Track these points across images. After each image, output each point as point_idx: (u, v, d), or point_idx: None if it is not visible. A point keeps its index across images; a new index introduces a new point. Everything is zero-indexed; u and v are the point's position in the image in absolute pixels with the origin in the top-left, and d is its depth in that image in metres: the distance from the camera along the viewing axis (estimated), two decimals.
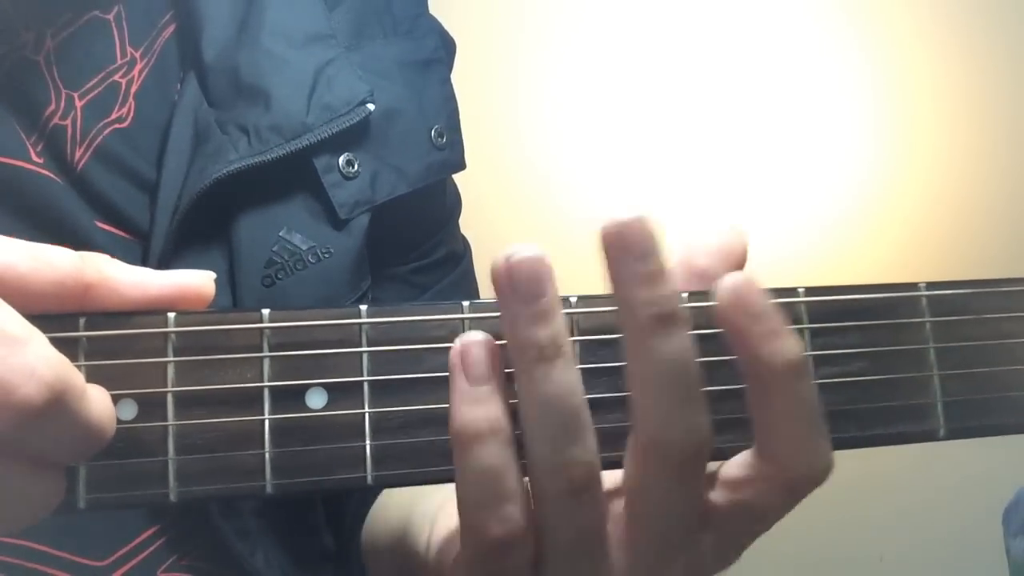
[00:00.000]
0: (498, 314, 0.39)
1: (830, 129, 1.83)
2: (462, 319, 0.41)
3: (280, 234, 0.58)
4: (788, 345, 0.39)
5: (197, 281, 0.40)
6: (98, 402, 0.36)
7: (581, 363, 0.40)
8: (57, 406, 0.33)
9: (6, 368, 0.32)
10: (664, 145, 1.83)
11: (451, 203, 0.76)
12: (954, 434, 0.43)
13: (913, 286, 0.43)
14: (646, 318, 0.37)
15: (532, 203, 1.83)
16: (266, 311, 0.40)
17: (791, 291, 0.42)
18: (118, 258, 0.53)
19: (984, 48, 1.83)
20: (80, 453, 0.37)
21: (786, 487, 0.40)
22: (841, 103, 1.83)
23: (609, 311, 0.41)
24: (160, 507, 0.46)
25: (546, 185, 1.84)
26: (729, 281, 0.39)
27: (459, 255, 0.76)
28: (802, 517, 1.40)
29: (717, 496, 0.41)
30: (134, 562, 0.53)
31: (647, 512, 0.40)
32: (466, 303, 0.41)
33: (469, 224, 0.79)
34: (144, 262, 0.54)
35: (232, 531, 0.55)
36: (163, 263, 0.54)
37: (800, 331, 0.42)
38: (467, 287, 0.75)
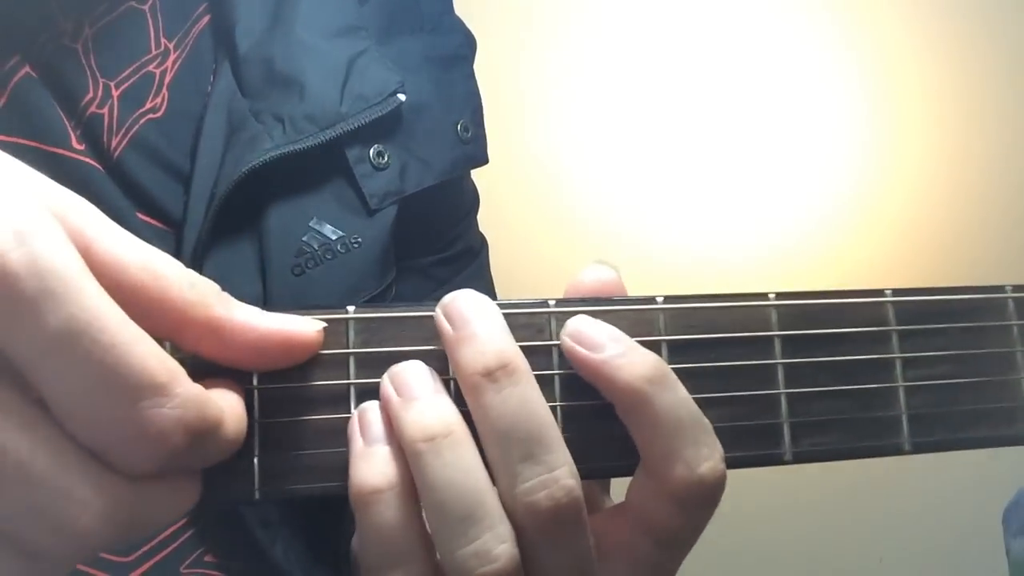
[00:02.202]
0: (581, 305, 0.41)
1: (821, 132, 1.86)
2: (549, 313, 0.41)
3: (310, 224, 0.58)
4: (634, 363, 0.39)
5: (307, 329, 0.38)
6: (232, 423, 0.36)
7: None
8: (200, 443, 0.33)
9: (157, 419, 0.31)
10: (668, 148, 1.86)
11: (470, 198, 0.76)
12: None
13: (1000, 288, 0.43)
14: (472, 374, 0.38)
15: (546, 198, 1.84)
16: (351, 307, 0.40)
17: (878, 292, 0.42)
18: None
19: (970, 48, 1.85)
20: (215, 462, 0.36)
21: (675, 502, 0.39)
22: (831, 107, 1.86)
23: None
24: (244, 504, 0.45)
25: (559, 181, 1.85)
26: (566, 327, 0.40)
27: (476, 250, 0.76)
28: (803, 518, 1.41)
29: (620, 528, 0.40)
30: (157, 558, 0.53)
31: (534, 573, 0.38)
32: (552, 300, 0.41)
33: (486, 220, 0.80)
34: (178, 251, 0.54)
35: (255, 519, 0.55)
36: (197, 252, 0.54)
37: (887, 333, 0.42)
38: (483, 282, 0.76)
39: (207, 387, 0.36)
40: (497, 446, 0.37)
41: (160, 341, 0.35)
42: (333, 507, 0.63)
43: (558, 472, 0.37)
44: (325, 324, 0.39)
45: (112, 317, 0.31)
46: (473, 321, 0.38)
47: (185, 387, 0.32)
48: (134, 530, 0.34)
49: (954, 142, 1.85)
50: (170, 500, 0.35)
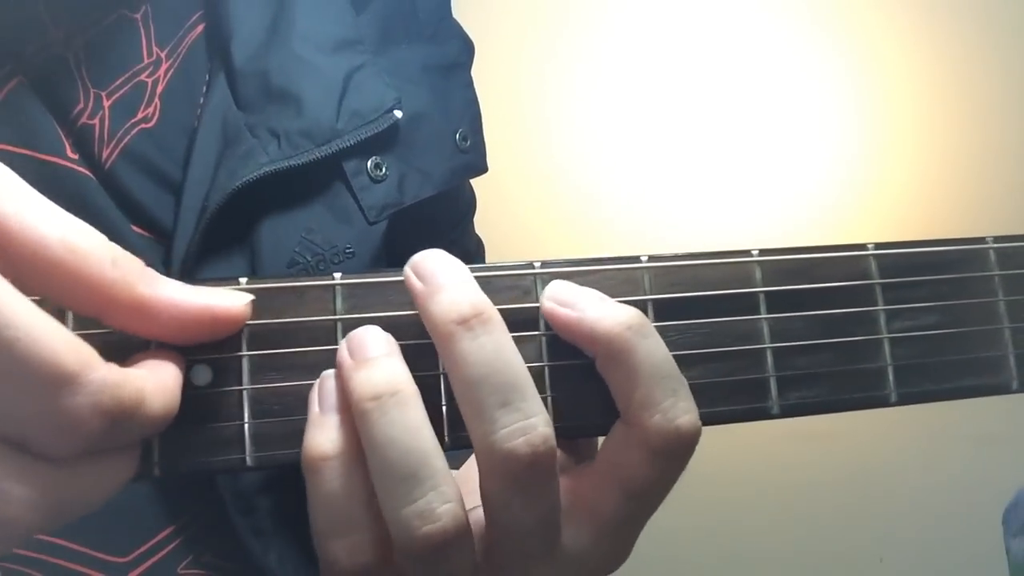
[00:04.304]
0: (567, 266, 0.41)
1: (814, 128, 1.89)
2: (534, 274, 0.41)
3: (303, 235, 0.58)
4: (615, 312, 0.39)
5: (233, 304, 0.38)
6: (156, 398, 0.35)
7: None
8: (120, 424, 0.33)
9: (67, 410, 0.31)
10: (665, 147, 1.88)
11: (466, 203, 0.76)
12: None
13: (981, 240, 0.44)
14: (446, 322, 0.38)
15: (544, 199, 1.86)
16: (338, 274, 0.40)
17: (860, 247, 0.43)
18: (144, 260, 0.53)
19: (960, 39, 1.88)
20: (147, 436, 0.36)
21: (651, 451, 0.39)
22: (823, 103, 1.90)
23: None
24: (236, 471, 0.45)
25: (558, 182, 1.87)
26: (545, 292, 0.41)
27: (472, 254, 0.76)
28: (802, 518, 1.41)
29: (586, 486, 0.41)
30: (155, 559, 0.53)
31: (498, 526, 0.39)
32: (538, 263, 0.41)
33: (484, 221, 0.80)
34: (167, 263, 0.54)
35: (249, 529, 0.55)
36: (187, 264, 0.53)
37: (871, 286, 0.42)
38: None
39: (137, 361, 0.36)
40: (472, 394, 0.37)
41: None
42: None
43: (535, 419, 0.37)
44: (253, 297, 0.38)
45: (15, 308, 0.30)
46: (444, 274, 0.39)
47: (98, 372, 0.32)
48: (66, 512, 0.33)
49: (945, 135, 1.88)
50: (103, 478, 0.35)
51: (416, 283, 0.39)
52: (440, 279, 0.39)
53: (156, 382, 0.35)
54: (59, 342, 0.31)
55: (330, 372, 0.39)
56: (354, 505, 0.37)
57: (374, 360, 0.38)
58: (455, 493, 0.37)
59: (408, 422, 0.37)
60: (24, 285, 0.31)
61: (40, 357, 0.30)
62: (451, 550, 0.37)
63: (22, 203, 0.32)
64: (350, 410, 0.38)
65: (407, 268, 0.40)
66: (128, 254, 0.35)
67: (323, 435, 0.38)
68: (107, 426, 0.32)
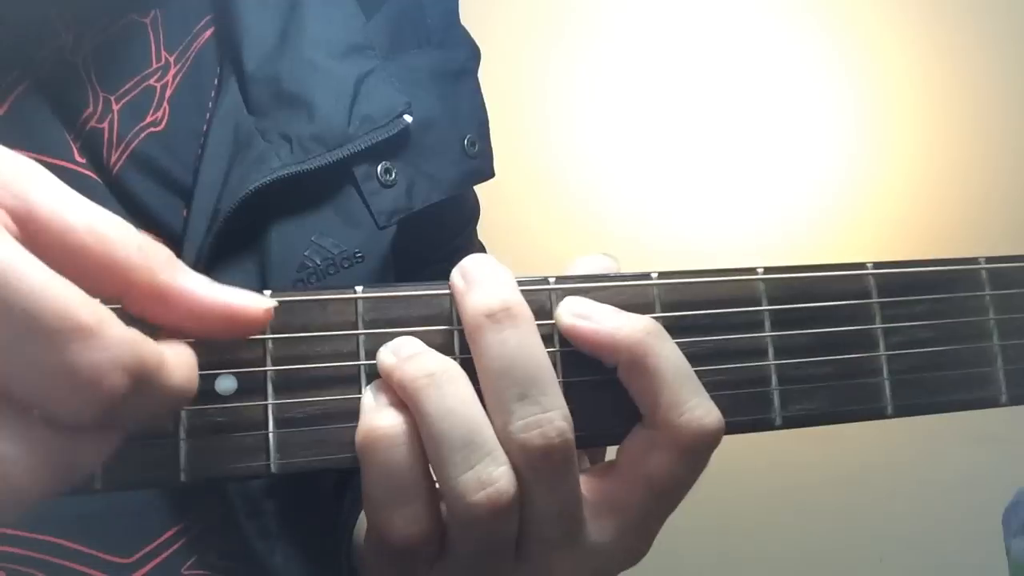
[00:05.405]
0: (580, 282, 0.44)
1: (812, 130, 1.90)
2: (549, 290, 0.43)
3: (312, 239, 0.58)
4: (632, 321, 0.42)
5: (254, 306, 0.38)
6: (177, 368, 0.35)
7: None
8: (140, 385, 0.32)
9: (89, 362, 0.30)
10: (667, 149, 1.89)
11: (470, 208, 0.77)
12: (1015, 400, 0.45)
13: (974, 260, 0.45)
14: (475, 315, 0.40)
15: (548, 202, 1.87)
16: (360, 287, 0.42)
17: (860, 266, 0.45)
18: None
19: (960, 40, 1.88)
20: (166, 412, 0.37)
21: (679, 450, 0.41)
22: (821, 106, 1.91)
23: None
24: (260, 478, 0.47)
25: (562, 184, 1.88)
26: (561, 307, 0.43)
27: None
28: (802, 517, 1.42)
29: (610, 484, 0.43)
30: (159, 559, 0.54)
31: (524, 515, 0.41)
32: (552, 278, 0.43)
33: (488, 224, 0.81)
34: None
35: (255, 531, 0.56)
36: (196, 268, 0.52)
37: (869, 303, 0.44)
38: None
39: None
40: (494, 385, 0.40)
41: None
42: (329, 513, 0.65)
43: (552, 413, 0.39)
44: (276, 304, 0.39)
45: (30, 264, 0.30)
46: (483, 272, 0.41)
47: (116, 329, 0.31)
48: (65, 481, 0.34)
49: (945, 135, 1.89)
50: (96, 447, 0.34)
51: (458, 281, 0.42)
52: (477, 276, 0.41)
53: (175, 353, 0.35)
54: (75, 297, 0.31)
55: (376, 381, 0.41)
56: (413, 475, 0.39)
57: (420, 352, 0.41)
58: (506, 458, 0.39)
59: (461, 395, 0.39)
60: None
61: (56, 308, 0.30)
62: (505, 517, 0.39)
63: (53, 193, 0.33)
64: (401, 401, 0.40)
65: (455, 270, 0.42)
66: (157, 244, 0.35)
67: (377, 416, 0.40)
68: (129, 385, 0.32)
